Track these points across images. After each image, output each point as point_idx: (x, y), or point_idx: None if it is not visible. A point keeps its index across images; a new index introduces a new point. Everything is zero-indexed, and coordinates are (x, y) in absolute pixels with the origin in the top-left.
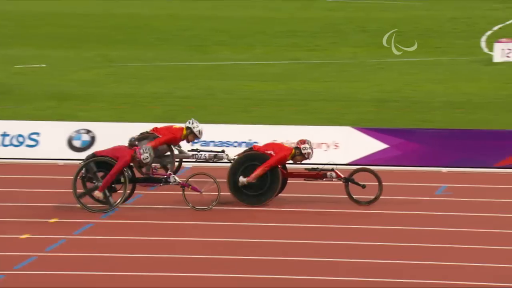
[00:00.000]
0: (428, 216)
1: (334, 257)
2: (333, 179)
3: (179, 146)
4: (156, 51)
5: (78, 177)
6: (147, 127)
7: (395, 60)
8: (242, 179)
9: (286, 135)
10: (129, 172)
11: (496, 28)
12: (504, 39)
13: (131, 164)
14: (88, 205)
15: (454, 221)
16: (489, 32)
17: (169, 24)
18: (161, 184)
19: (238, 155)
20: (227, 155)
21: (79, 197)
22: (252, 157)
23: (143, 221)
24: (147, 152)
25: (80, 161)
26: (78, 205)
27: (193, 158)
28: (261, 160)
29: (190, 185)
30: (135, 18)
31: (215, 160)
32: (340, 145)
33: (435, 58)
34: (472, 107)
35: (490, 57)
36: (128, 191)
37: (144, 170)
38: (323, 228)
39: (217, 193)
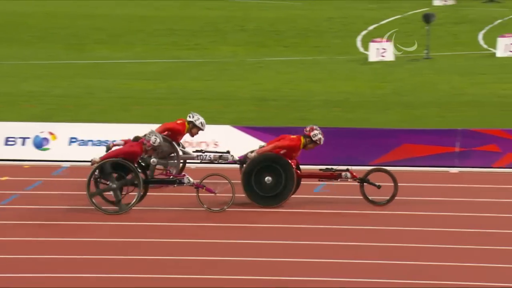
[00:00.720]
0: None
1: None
2: (348, 180)
3: (183, 147)
4: (33, 49)
5: (92, 179)
6: (24, 126)
7: (274, 59)
8: (250, 154)
9: None
10: (143, 174)
11: (371, 28)
12: (378, 39)
13: (142, 164)
14: (102, 206)
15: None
16: (364, 32)
17: (46, 22)
18: (175, 186)
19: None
20: (232, 155)
21: (91, 196)
22: (267, 158)
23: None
24: (152, 135)
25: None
26: (92, 206)
27: (197, 159)
28: (276, 160)
29: (205, 186)
30: (11, 16)
31: (220, 161)
32: (220, 144)
33: (313, 57)
34: (349, 106)
35: (365, 57)
36: (141, 193)
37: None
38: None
39: (231, 195)
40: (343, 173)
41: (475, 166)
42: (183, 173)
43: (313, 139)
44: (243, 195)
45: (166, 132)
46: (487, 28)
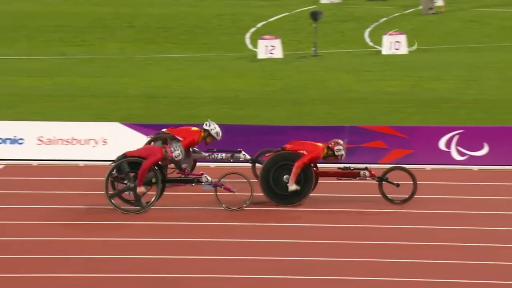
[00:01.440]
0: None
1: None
2: (367, 178)
3: (194, 146)
4: None
5: (110, 178)
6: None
7: (163, 56)
8: (291, 187)
9: (53, 131)
10: (161, 173)
11: (260, 25)
12: (267, 36)
13: (160, 163)
14: (121, 206)
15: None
16: (253, 29)
17: None
18: (193, 185)
19: (269, 154)
20: (244, 154)
21: (110, 197)
22: (285, 156)
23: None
24: (178, 149)
25: (111, 162)
26: (111, 206)
27: (209, 158)
28: (294, 160)
29: (223, 185)
30: None
31: (231, 160)
32: (108, 141)
33: (202, 54)
34: (238, 103)
35: (254, 54)
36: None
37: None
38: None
39: (249, 193)
40: (362, 172)
41: (361, 162)
42: (201, 172)
43: (335, 153)
44: (261, 193)
45: (181, 138)
46: (372, 26)
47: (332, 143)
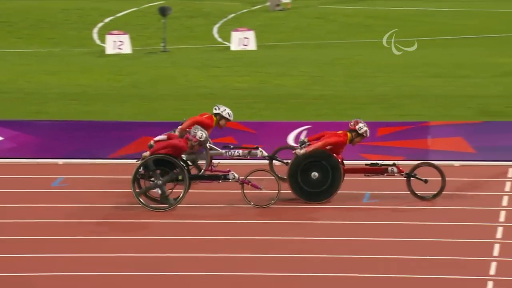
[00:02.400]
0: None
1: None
2: (395, 174)
3: (210, 143)
4: None
5: (137, 176)
6: None
7: (8, 51)
8: (298, 150)
9: None
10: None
11: (107, 20)
12: (115, 31)
13: (186, 157)
14: (150, 204)
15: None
16: (101, 24)
17: None
18: (220, 181)
19: (295, 150)
20: (261, 151)
21: (138, 195)
22: (314, 153)
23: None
24: (198, 130)
25: (137, 160)
26: (139, 204)
27: (226, 155)
28: (323, 156)
29: (250, 182)
30: None
31: (249, 157)
32: None
33: (48, 49)
34: (86, 99)
35: (102, 49)
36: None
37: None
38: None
39: (276, 191)
40: (390, 168)
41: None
42: (228, 169)
43: (359, 132)
44: (289, 191)
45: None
46: (221, 22)
47: (352, 124)
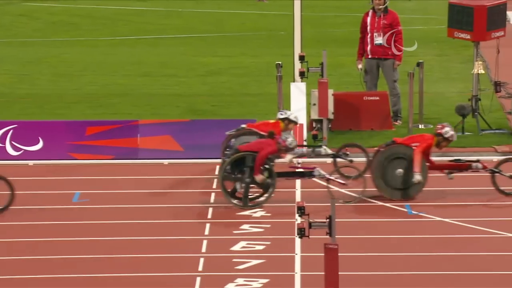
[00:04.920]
0: None
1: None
2: (479, 171)
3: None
4: None
5: (224, 174)
6: None
7: None
8: (417, 177)
9: None
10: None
11: None
12: None
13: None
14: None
15: None
16: None
17: None
18: (306, 178)
19: (379, 148)
20: (325, 149)
21: (229, 194)
22: (398, 150)
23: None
24: (290, 137)
25: (223, 159)
26: (231, 203)
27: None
28: (407, 153)
29: (336, 179)
30: None
31: (313, 155)
32: None
33: None
34: None
35: None
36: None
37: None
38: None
39: (361, 188)
40: (474, 164)
41: None
42: (313, 166)
43: (445, 136)
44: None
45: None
46: None
47: (439, 127)
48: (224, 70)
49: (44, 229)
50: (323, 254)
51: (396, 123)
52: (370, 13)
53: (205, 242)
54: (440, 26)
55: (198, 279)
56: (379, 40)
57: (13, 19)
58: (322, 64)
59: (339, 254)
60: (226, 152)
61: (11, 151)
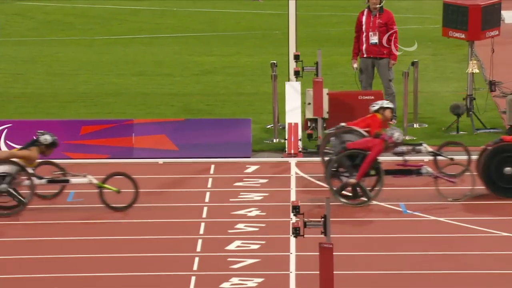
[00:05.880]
0: None
1: None
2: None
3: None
4: None
5: (331, 171)
6: None
7: None
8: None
9: None
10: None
11: None
12: None
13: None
14: (348, 200)
15: None
16: None
17: None
18: (414, 176)
19: (486, 146)
20: (425, 147)
21: (337, 192)
22: (506, 148)
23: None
24: (396, 132)
25: (330, 156)
26: (341, 202)
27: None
28: None
29: (445, 176)
30: None
31: (413, 153)
32: None
33: None
34: None
35: None
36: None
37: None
38: None
39: (471, 186)
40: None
41: None
42: (420, 163)
43: None
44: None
45: (367, 128)
46: None
47: None
48: (219, 69)
49: (38, 228)
50: (318, 254)
51: (391, 123)
52: (365, 12)
53: (200, 241)
54: (435, 26)
55: (193, 279)
56: (374, 39)
57: (7, 18)
58: (317, 63)
59: (334, 253)
60: (325, 151)
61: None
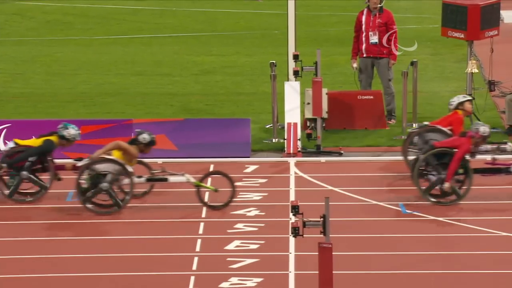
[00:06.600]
0: None
1: None
2: None
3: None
4: None
5: (418, 171)
6: None
7: None
8: None
9: None
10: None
11: None
12: None
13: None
14: (438, 199)
15: None
16: None
17: None
18: (503, 174)
19: None
20: (510, 145)
21: (426, 192)
22: None
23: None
24: (480, 126)
25: (418, 154)
26: (430, 202)
27: (473, 150)
28: None
29: None
30: None
31: (498, 152)
32: None
33: None
34: None
35: None
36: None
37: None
38: None
39: None
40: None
41: None
42: (510, 162)
43: None
44: None
45: (449, 127)
46: None
47: None
48: (218, 69)
49: (37, 228)
50: (317, 253)
51: (390, 122)
52: (365, 12)
53: (199, 241)
54: (434, 25)
55: (192, 278)
56: (374, 39)
57: (6, 18)
58: (316, 63)
59: (333, 253)
60: (408, 150)
61: (2, 147)
